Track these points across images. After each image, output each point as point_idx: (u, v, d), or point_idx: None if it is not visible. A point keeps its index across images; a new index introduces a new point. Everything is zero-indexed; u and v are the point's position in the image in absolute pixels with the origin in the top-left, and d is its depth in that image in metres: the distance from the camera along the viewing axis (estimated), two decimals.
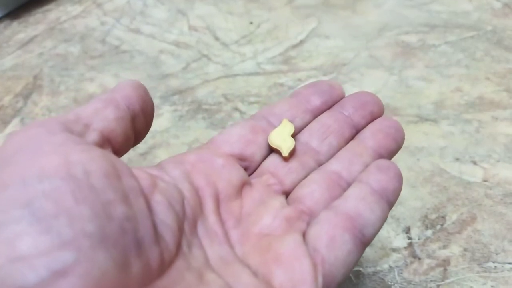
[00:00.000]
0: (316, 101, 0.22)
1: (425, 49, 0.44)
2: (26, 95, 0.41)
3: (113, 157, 0.15)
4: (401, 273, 0.26)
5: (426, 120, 0.36)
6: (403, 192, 0.30)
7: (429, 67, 0.42)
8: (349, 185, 0.19)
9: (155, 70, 0.43)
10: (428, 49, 0.44)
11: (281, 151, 0.20)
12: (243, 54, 0.45)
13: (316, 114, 0.22)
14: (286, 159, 0.20)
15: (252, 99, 0.39)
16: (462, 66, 0.42)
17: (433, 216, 0.29)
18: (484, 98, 0.38)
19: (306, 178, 0.20)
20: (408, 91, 0.39)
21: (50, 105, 0.40)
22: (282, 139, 0.20)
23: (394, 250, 0.27)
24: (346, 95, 0.23)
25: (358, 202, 0.18)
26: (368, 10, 0.51)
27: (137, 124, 0.17)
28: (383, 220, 0.18)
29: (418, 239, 0.28)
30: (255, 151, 0.20)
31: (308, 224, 0.18)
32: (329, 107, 0.22)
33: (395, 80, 0.41)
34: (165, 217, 0.15)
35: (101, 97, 0.17)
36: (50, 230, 0.11)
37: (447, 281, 0.25)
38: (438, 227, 0.28)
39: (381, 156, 0.21)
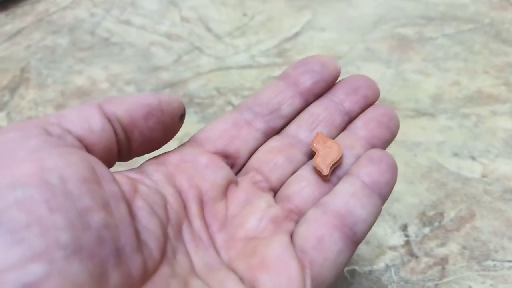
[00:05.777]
0: (306, 83, 0.20)
1: (422, 42, 0.43)
2: (12, 88, 0.40)
3: (94, 160, 0.14)
4: (398, 272, 0.25)
5: (424, 114, 0.35)
6: (400, 189, 0.30)
7: (427, 60, 0.41)
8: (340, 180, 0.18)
9: (146, 63, 0.42)
10: (425, 42, 0.43)
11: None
12: (236, 47, 0.44)
13: (307, 97, 0.21)
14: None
15: (245, 92, 0.38)
16: (460, 59, 0.41)
17: (431, 213, 0.28)
18: (482, 92, 0.37)
19: (295, 175, 0.19)
20: (405, 85, 0.38)
21: (37, 98, 0.38)
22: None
23: (390, 248, 0.26)
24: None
25: (348, 198, 0.17)
26: (363, 2, 0.50)
27: (131, 141, 0.16)
28: (376, 215, 0.17)
29: (416, 237, 0.27)
30: (239, 147, 0.19)
31: (297, 223, 0.17)
32: (322, 88, 0.21)
33: (392, 73, 0.40)
34: (147, 223, 0.14)
35: (91, 104, 0.16)
36: (22, 241, 0.11)
37: (445, 280, 0.25)
38: (436, 224, 0.28)
39: (374, 147, 0.19)
